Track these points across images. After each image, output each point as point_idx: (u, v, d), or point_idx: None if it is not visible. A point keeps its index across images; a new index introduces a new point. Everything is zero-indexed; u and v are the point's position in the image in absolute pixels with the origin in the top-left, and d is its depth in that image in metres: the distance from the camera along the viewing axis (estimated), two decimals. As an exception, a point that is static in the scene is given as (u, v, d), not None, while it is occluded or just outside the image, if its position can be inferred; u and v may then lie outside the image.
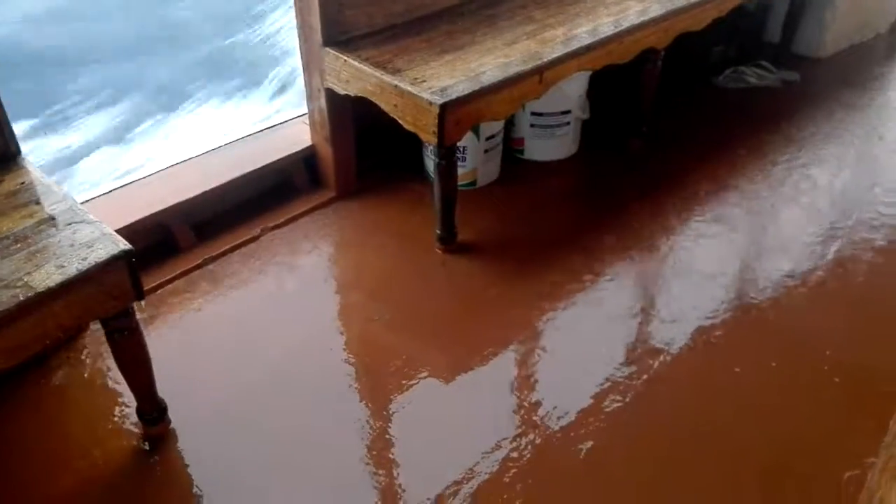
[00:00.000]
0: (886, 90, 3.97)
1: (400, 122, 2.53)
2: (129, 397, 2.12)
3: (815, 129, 3.55)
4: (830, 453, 2.03)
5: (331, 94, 2.77)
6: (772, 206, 3.04)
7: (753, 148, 3.41)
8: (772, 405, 2.19)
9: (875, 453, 1.98)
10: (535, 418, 2.15)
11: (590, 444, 2.06)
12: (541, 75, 2.62)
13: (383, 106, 2.56)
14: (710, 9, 3.22)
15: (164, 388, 2.09)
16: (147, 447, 2.08)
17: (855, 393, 2.22)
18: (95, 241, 1.77)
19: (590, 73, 3.07)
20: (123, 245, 1.76)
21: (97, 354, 2.34)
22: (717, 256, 2.76)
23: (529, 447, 2.06)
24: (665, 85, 3.35)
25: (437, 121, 2.37)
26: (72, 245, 1.76)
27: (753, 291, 2.59)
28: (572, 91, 3.14)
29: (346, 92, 2.68)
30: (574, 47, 2.71)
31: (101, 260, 1.71)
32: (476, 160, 3.02)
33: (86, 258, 1.71)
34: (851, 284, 2.63)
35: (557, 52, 2.66)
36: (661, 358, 2.33)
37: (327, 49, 2.65)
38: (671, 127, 3.54)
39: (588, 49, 2.74)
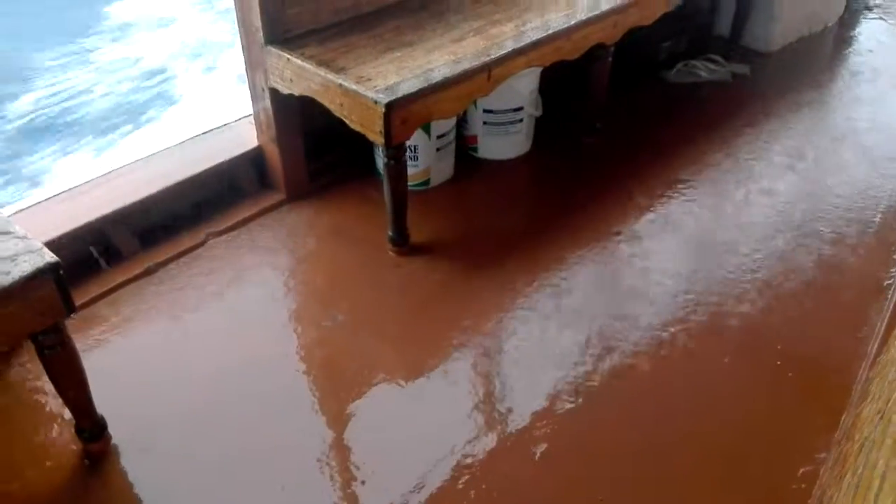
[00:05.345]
0: (836, 83, 4.01)
1: (346, 121, 2.47)
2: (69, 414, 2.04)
3: (766, 122, 3.57)
4: (787, 449, 2.02)
5: (275, 94, 2.69)
6: (723, 201, 3.04)
7: (706, 142, 3.41)
8: (727, 402, 2.18)
9: (827, 448, 1.99)
10: (488, 421, 2.11)
11: (544, 446, 2.03)
12: (489, 72, 2.58)
13: (328, 105, 2.49)
14: (659, 2, 3.21)
15: (107, 403, 2.02)
16: (87, 464, 2.00)
17: (808, 387, 2.22)
18: (19, 254, 1.68)
19: (540, 69, 3.04)
20: (49, 258, 1.67)
21: (35, 371, 2.24)
22: (671, 253, 2.75)
23: (482, 451, 2.02)
24: (617, 81, 3.33)
25: (382, 120, 2.31)
26: (-7, 259, 1.67)
27: (703, 288, 2.58)
28: (524, 88, 3.10)
29: (289, 91, 2.61)
30: (522, 44, 2.66)
31: (24, 274, 1.63)
32: (428, 159, 2.97)
33: (8, 273, 1.63)
34: (799, 278, 2.64)
35: (505, 48, 2.62)
36: (615, 357, 2.31)
37: (269, 48, 2.57)
38: (624, 123, 3.53)
39: (536, 45, 2.70)
